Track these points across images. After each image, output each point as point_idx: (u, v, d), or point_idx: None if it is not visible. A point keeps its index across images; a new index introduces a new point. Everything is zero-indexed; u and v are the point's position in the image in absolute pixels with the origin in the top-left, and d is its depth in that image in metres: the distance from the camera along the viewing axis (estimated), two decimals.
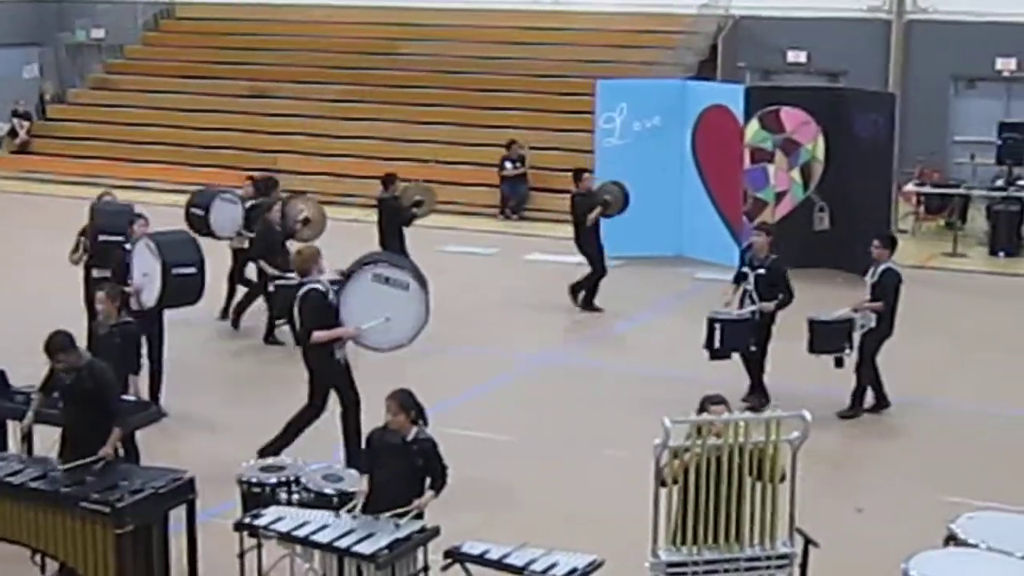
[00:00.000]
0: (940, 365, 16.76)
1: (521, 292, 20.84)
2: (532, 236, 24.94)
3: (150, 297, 14.56)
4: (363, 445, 10.41)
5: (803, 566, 9.32)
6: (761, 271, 15.28)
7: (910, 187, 26.22)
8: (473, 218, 26.52)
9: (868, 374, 15.19)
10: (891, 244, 15.39)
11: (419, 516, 10.00)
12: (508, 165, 27.45)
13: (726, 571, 8.77)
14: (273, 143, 30.56)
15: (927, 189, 26.35)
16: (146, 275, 14.53)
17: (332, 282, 13.29)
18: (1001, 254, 24.10)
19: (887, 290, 15.00)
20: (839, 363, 15.16)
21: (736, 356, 15.33)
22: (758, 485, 8.81)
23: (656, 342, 18.62)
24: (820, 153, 22.91)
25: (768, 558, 8.82)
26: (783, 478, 8.84)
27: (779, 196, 23.09)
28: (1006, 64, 28.80)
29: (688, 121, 23.60)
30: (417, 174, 27.21)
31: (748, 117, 22.85)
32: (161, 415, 12.97)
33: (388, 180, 20.42)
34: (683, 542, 8.71)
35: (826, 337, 15.08)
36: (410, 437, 10.09)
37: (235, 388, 16.37)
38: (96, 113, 33.30)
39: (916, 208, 26.41)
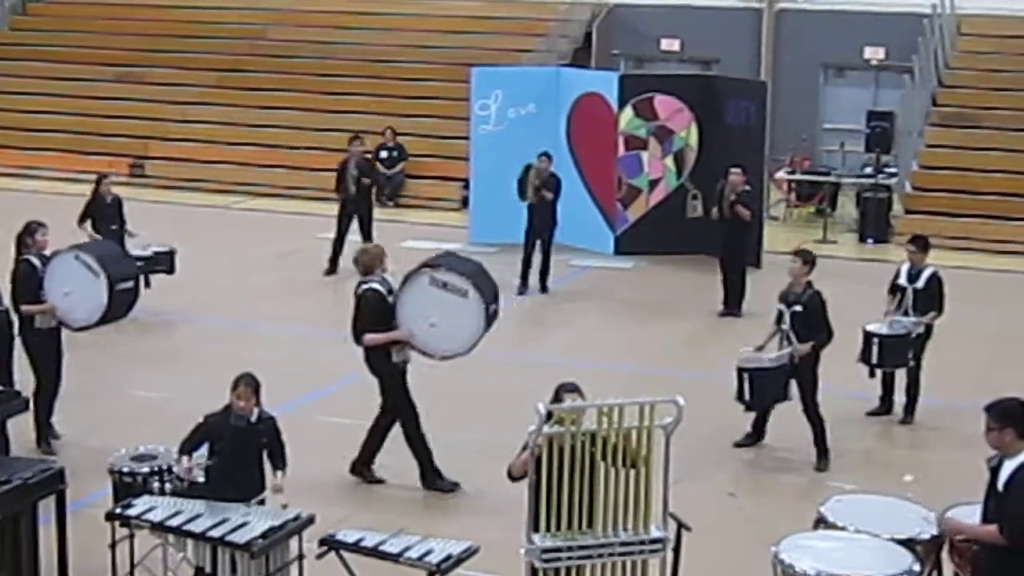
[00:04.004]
0: None
1: (397, 280, 20.76)
2: (408, 223, 24.86)
3: (85, 316, 13.37)
4: (195, 429, 10.29)
5: (676, 550, 9.41)
6: (798, 308, 13.61)
7: (781, 174, 26.59)
8: None
9: (918, 379, 14.96)
10: (928, 246, 15.05)
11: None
12: (384, 153, 27.32)
13: (600, 556, 8.81)
14: (142, 128, 30.17)
15: (798, 176, 26.74)
16: (67, 294, 13.21)
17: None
18: (870, 241, 24.49)
19: (937, 295, 14.70)
20: (872, 374, 14.90)
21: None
22: (631, 471, 8.85)
23: (527, 329, 18.67)
24: (693, 140, 23.13)
25: (641, 542, 8.88)
26: (634, 464, 8.81)
27: (653, 183, 23.28)
28: (874, 53, 29.23)
29: (563, 108, 23.68)
30: (288, 160, 27.16)
31: (622, 104, 23.01)
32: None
33: None
34: (557, 528, 8.74)
35: (895, 351, 14.58)
36: (254, 418, 10.13)
37: (102, 378, 16.12)
38: None
39: (787, 195, 26.79)
